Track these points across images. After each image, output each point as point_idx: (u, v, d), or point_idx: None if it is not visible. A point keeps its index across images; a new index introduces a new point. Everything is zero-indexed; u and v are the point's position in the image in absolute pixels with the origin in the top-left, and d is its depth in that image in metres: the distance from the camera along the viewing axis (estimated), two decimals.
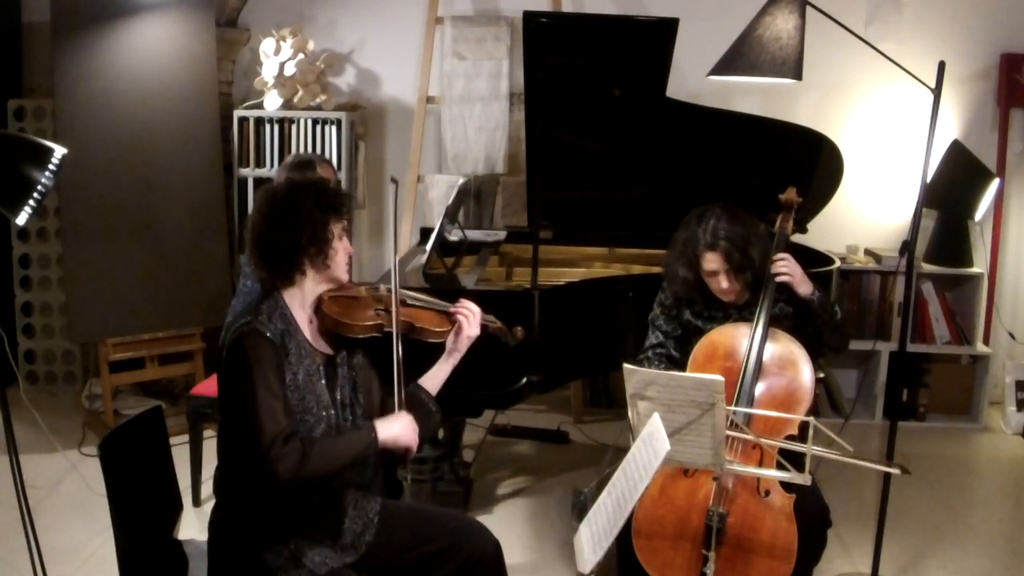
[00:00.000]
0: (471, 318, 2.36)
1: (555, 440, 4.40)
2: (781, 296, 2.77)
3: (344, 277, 2.25)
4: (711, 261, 2.72)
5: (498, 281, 3.86)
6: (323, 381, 2.18)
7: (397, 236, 2.28)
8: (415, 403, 2.28)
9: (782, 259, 2.73)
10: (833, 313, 2.77)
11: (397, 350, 2.20)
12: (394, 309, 2.24)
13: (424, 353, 2.39)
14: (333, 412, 2.17)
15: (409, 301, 2.37)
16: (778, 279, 2.71)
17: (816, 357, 2.75)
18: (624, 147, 3.81)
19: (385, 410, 2.32)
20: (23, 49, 4.96)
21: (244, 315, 2.12)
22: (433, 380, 2.36)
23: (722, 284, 2.74)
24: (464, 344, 2.36)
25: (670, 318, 2.92)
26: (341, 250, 2.21)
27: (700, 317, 2.86)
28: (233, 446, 2.14)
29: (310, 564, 2.08)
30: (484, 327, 2.41)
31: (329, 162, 3.66)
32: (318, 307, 2.21)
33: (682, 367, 2.95)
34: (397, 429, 2.15)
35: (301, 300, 2.19)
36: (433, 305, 2.40)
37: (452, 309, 2.38)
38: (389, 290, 2.31)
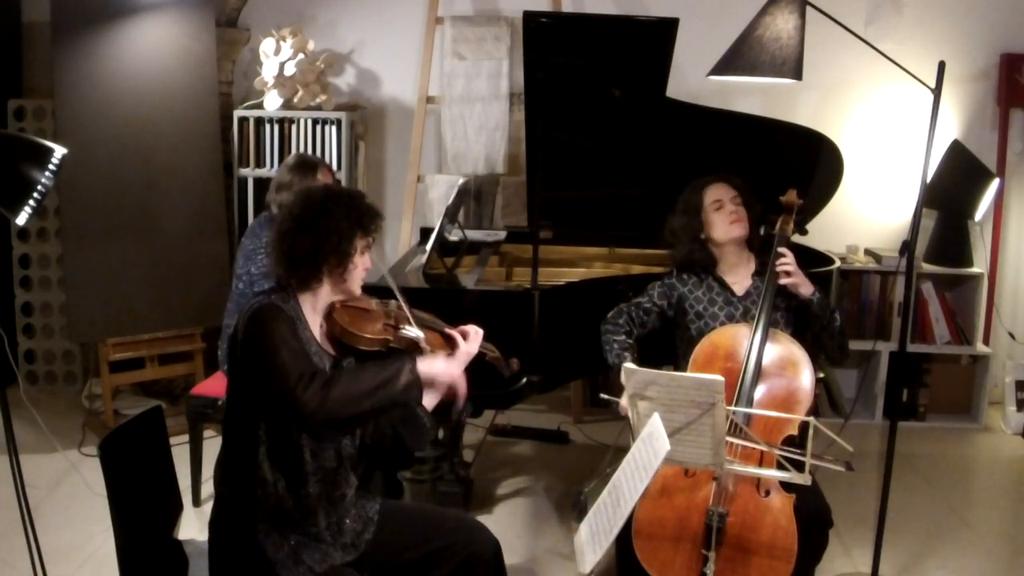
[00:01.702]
0: (471, 336, 2.36)
1: (555, 440, 4.40)
2: (781, 302, 2.77)
3: (358, 292, 2.28)
4: (716, 191, 2.82)
5: (498, 281, 3.86)
6: None
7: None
8: (410, 416, 2.27)
9: (785, 259, 2.74)
10: (832, 319, 2.77)
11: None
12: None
13: None
14: None
15: (419, 319, 2.37)
16: (780, 280, 2.72)
17: (817, 357, 2.75)
18: (624, 147, 3.81)
19: None
20: (23, 49, 4.96)
21: (258, 297, 2.17)
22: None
23: (727, 208, 2.80)
24: (463, 360, 2.35)
25: (664, 295, 2.95)
26: (360, 266, 2.23)
27: (701, 301, 2.88)
28: (237, 439, 2.15)
29: (310, 561, 2.08)
30: (483, 354, 2.42)
31: (329, 166, 3.66)
32: (329, 313, 2.23)
33: (657, 346, 2.98)
34: (439, 365, 2.12)
35: (313, 304, 2.22)
36: (438, 326, 2.42)
37: (448, 330, 2.39)
38: (399, 306, 2.33)
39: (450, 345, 2.37)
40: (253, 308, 2.12)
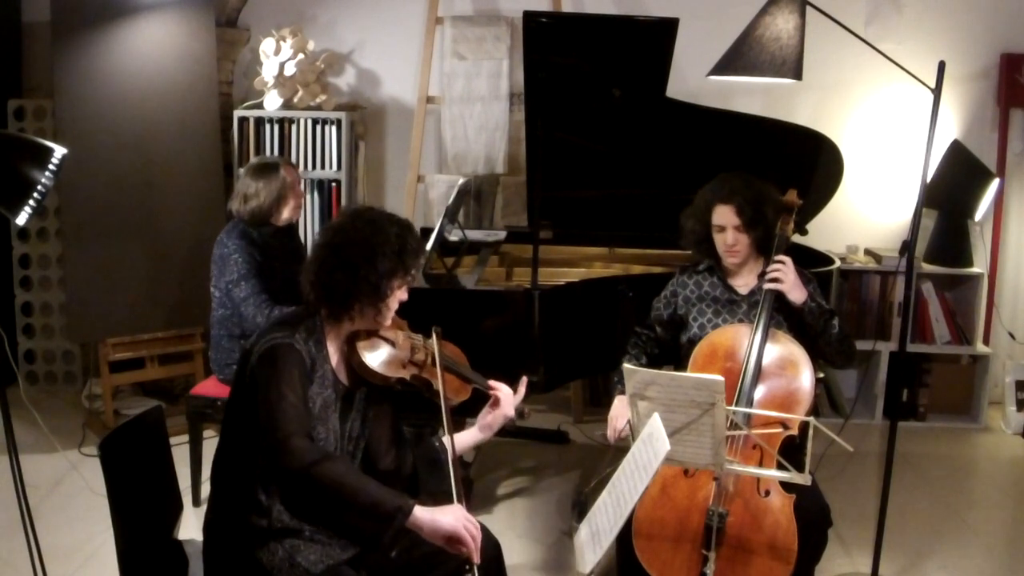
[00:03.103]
0: (504, 400, 2.34)
1: (555, 440, 4.40)
2: (782, 304, 2.77)
3: (388, 324, 2.22)
4: (722, 214, 2.80)
5: (498, 281, 3.87)
6: (337, 413, 2.18)
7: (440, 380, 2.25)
8: (431, 460, 2.25)
9: (778, 263, 2.74)
10: (828, 327, 2.75)
11: (452, 444, 2.16)
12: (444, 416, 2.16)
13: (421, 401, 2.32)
14: (338, 445, 2.17)
15: (445, 365, 2.29)
16: (768, 286, 2.72)
17: (817, 358, 2.75)
18: (624, 147, 3.81)
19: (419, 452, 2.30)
20: (23, 49, 4.96)
21: (281, 329, 2.10)
22: (458, 443, 2.33)
23: (728, 240, 2.80)
24: (498, 423, 2.35)
25: (668, 304, 2.97)
26: (395, 303, 2.18)
27: (704, 299, 2.90)
28: (233, 447, 2.14)
29: (305, 563, 2.06)
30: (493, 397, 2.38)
31: (292, 164, 3.66)
32: (351, 340, 2.18)
33: (668, 357, 2.97)
34: (443, 517, 1.96)
35: (338, 331, 2.18)
36: (461, 370, 2.36)
37: (470, 375, 2.34)
38: (426, 342, 2.27)
39: (467, 389, 2.34)
40: (270, 344, 2.06)
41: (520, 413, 2.41)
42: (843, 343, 2.78)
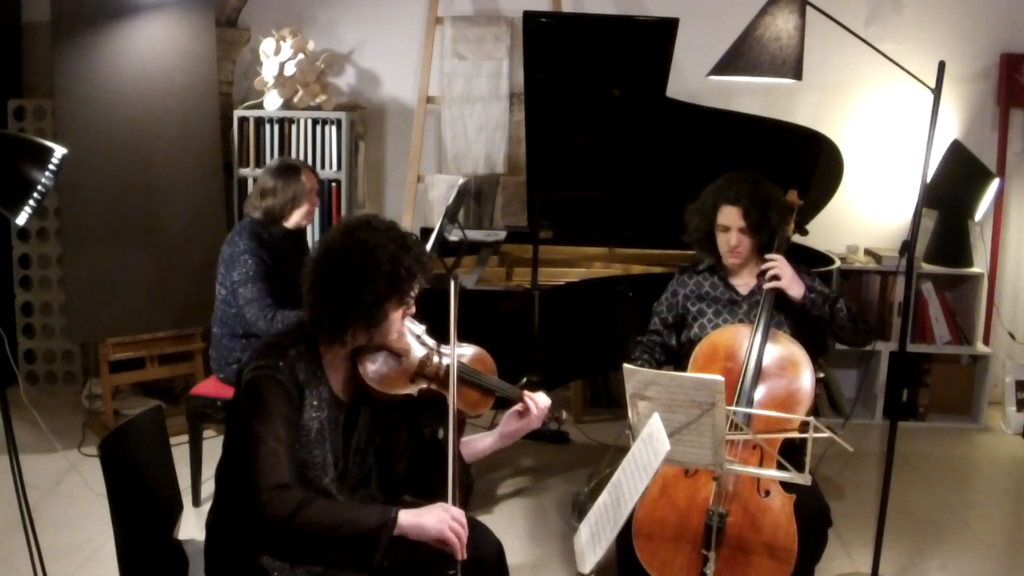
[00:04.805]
0: (535, 410, 2.25)
1: (555, 440, 4.40)
2: (782, 304, 2.77)
3: (392, 344, 2.12)
4: (727, 215, 2.80)
5: (498, 281, 3.87)
6: (339, 431, 2.13)
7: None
8: (441, 463, 2.18)
9: (771, 261, 2.74)
10: (836, 310, 2.77)
11: (454, 449, 2.08)
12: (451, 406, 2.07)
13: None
14: (337, 463, 2.13)
15: (461, 377, 2.18)
16: (768, 285, 2.72)
17: (818, 356, 2.75)
18: (624, 147, 3.81)
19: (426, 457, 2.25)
20: (23, 49, 4.96)
21: (268, 355, 2.01)
22: (470, 447, 2.28)
23: (731, 241, 2.81)
24: (520, 434, 2.27)
25: (671, 306, 2.98)
26: (393, 326, 2.07)
27: (704, 299, 2.90)
28: (236, 453, 2.12)
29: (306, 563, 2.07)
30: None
31: (314, 171, 3.65)
32: (354, 353, 2.10)
33: (677, 357, 2.98)
34: (428, 518, 1.91)
35: (335, 353, 2.11)
36: (487, 384, 2.26)
37: (489, 384, 2.25)
38: (439, 349, 2.17)
39: (487, 401, 2.28)
40: (253, 374, 1.99)
41: (557, 420, 2.31)
42: (856, 321, 2.80)
